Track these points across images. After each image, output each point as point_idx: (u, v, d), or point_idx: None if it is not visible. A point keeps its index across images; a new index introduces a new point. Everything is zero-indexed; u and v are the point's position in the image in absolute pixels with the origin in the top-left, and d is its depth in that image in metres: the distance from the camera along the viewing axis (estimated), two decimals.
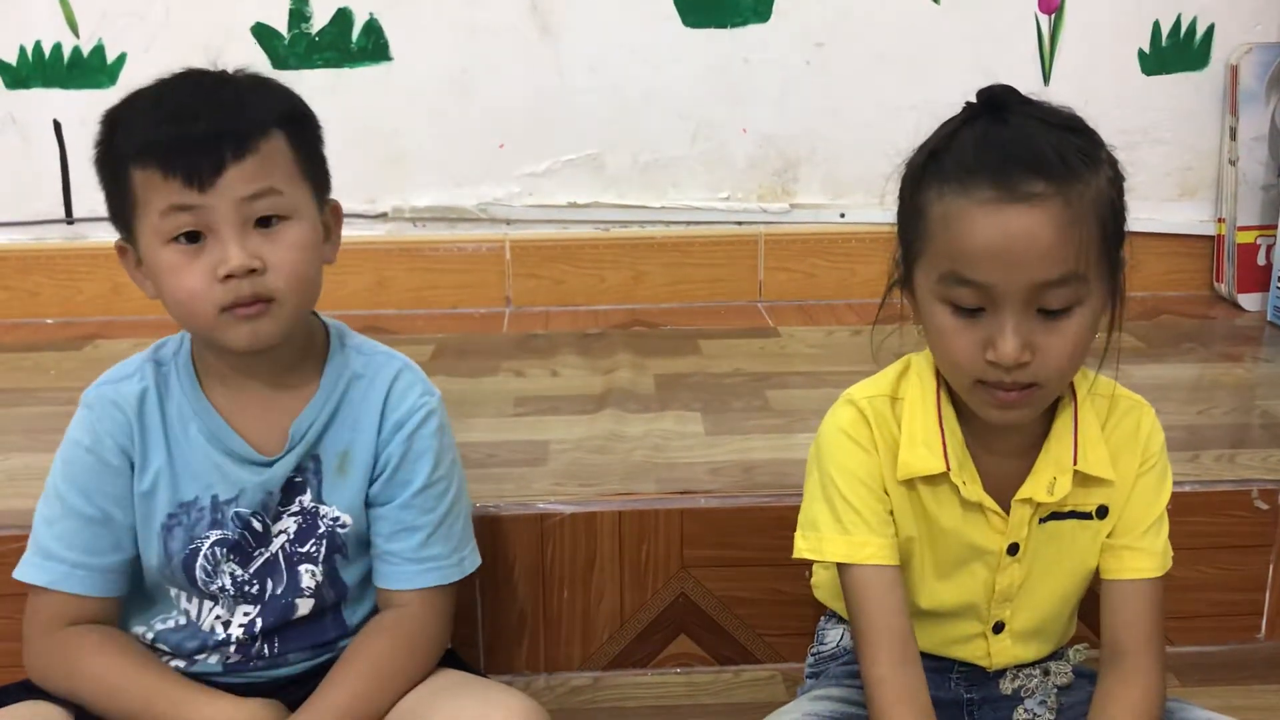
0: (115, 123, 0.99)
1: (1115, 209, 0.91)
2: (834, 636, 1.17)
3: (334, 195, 1.07)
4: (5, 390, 1.77)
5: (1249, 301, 2.14)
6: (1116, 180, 0.92)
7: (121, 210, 0.99)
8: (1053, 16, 2.12)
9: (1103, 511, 1.02)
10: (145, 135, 0.96)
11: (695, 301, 2.19)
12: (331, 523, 1.07)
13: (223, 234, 0.95)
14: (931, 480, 1.00)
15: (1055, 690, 1.08)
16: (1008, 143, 0.88)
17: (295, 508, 1.07)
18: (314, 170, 1.03)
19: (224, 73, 1.01)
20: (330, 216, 1.06)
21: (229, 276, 0.95)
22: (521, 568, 1.35)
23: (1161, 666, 1.00)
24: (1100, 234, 0.89)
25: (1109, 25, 2.12)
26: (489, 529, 1.33)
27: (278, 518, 1.07)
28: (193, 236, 0.96)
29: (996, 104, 0.91)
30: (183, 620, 1.08)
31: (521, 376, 1.81)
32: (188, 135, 0.94)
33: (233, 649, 1.07)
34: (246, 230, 0.96)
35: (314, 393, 1.06)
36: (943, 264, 0.90)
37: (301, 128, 1.02)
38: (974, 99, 0.93)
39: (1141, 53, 2.14)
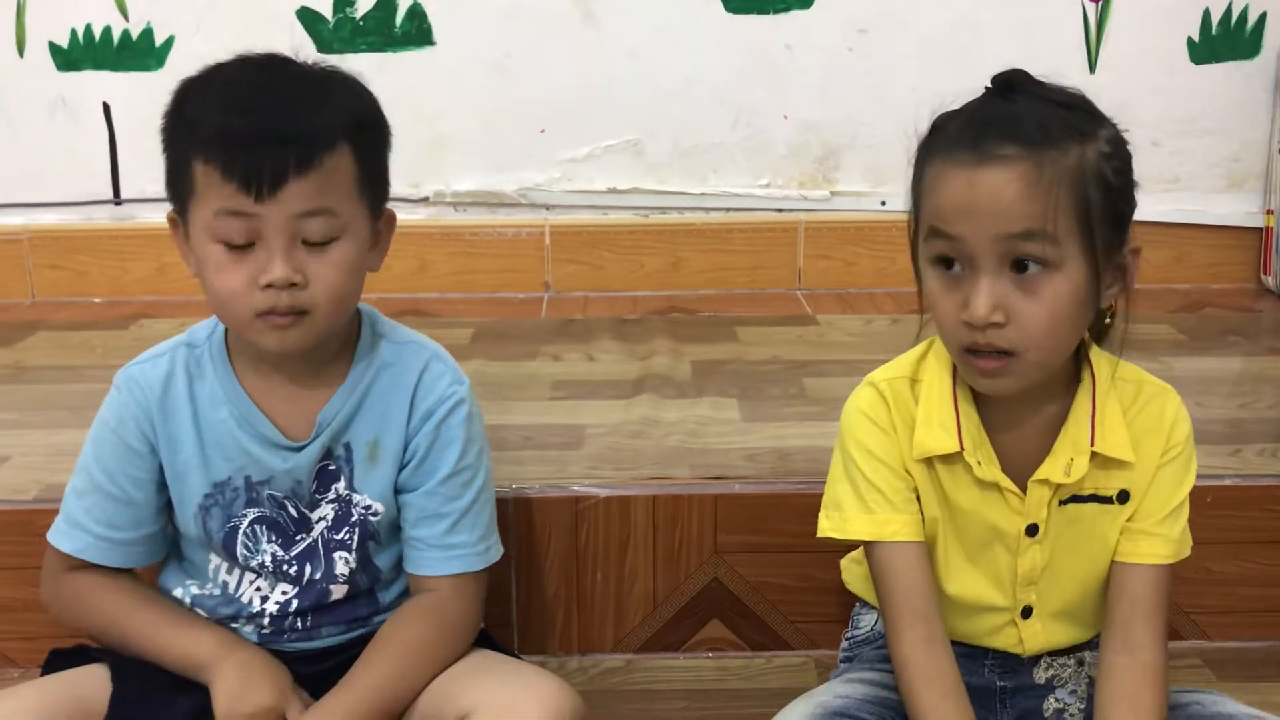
0: (186, 97, 0.99)
1: (1106, 185, 0.91)
2: (868, 621, 1.17)
3: None
4: (53, 367, 1.81)
5: None
6: (1115, 158, 0.92)
7: (179, 189, 1.00)
8: (1100, 4, 2.09)
9: (1124, 496, 1.02)
10: (212, 124, 0.95)
11: (734, 288, 2.19)
12: (364, 511, 1.08)
13: (271, 244, 0.96)
14: (947, 460, 1.01)
15: (1088, 681, 1.07)
16: (994, 116, 0.91)
17: (331, 495, 1.08)
18: (374, 183, 1.02)
19: (304, 66, 1.00)
20: (384, 225, 1.06)
21: (269, 285, 0.96)
22: (556, 550, 1.36)
23: (1164, 648, 1.00)
24: (1077, 203, 0.89)
25: (1157, 14, 2.09)
26: (524, 511, 1.34)
27: (315, 505, 1.08)
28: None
29: (1007, 85, 0.94)
30: (217, 591, 1.10)
31: (559, 361, 1.81)
32: (253, 134, 0.94)
33: (267, 621, 1.09)
34: (294, 244, 0.97)
35: (344, 381, 1.07)
36: (926, 224, 0.94)
37: (370, 138, 1.01)
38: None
39: (1191, 41, 2.11)
